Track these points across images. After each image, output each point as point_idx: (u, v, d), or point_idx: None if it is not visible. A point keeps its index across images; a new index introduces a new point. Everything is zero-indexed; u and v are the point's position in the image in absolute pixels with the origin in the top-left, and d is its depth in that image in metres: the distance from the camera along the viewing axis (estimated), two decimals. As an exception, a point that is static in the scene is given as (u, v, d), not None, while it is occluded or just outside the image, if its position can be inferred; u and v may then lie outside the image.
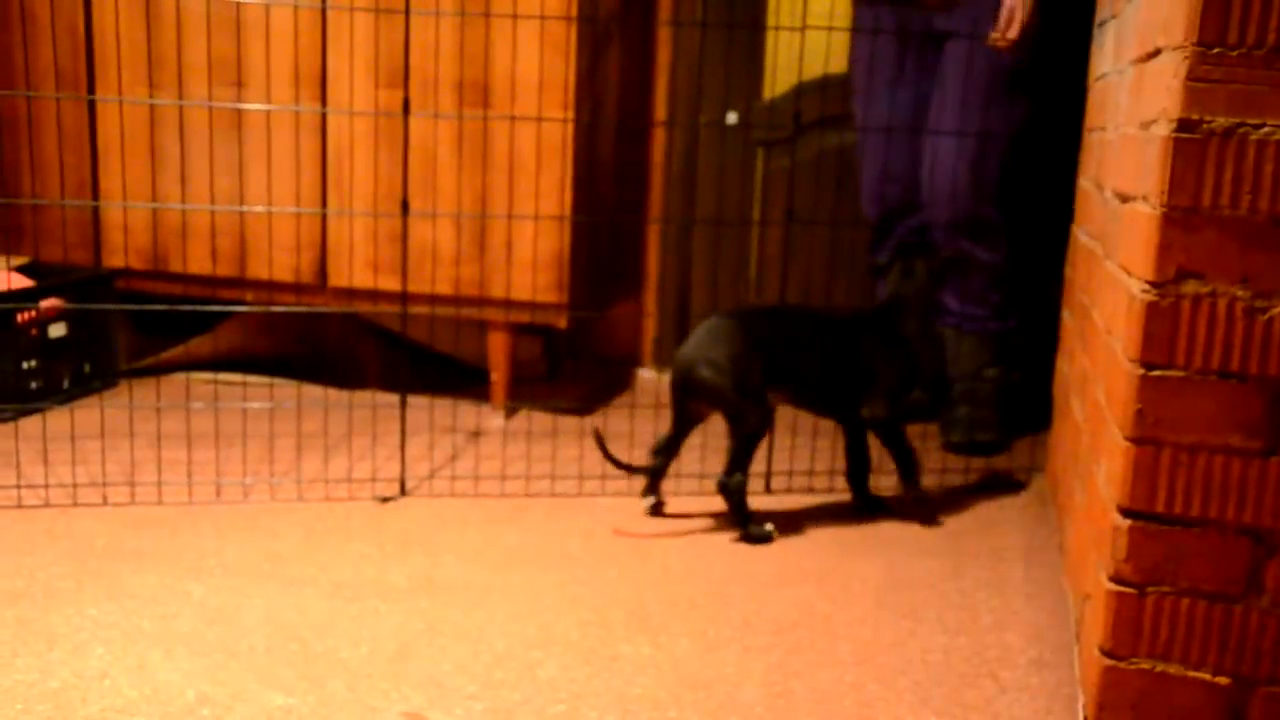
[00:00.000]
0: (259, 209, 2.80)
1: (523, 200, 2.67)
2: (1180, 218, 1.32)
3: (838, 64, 3.09)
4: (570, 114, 2.63)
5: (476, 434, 2.71)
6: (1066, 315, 2.43)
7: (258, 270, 2.85)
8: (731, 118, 3.25)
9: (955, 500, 2.37)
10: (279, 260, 2.83)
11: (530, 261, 2.71)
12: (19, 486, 2.20)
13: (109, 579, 1.84)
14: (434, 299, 2.77)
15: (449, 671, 1.59)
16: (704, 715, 1.51)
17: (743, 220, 3.30)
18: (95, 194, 2.91)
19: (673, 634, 1.74)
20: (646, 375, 3.41)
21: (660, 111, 3.31)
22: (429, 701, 1.50)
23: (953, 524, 2.25)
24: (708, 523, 2.20)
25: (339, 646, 1.64)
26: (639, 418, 2.86)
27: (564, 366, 3.35)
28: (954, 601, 1.90)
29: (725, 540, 2.12)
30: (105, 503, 2.16)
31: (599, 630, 1.74)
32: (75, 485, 2.23)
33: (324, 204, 2.78)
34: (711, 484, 2.17)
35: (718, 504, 2.19)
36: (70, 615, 1.71)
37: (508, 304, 2.75)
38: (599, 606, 1.82)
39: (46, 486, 2.21)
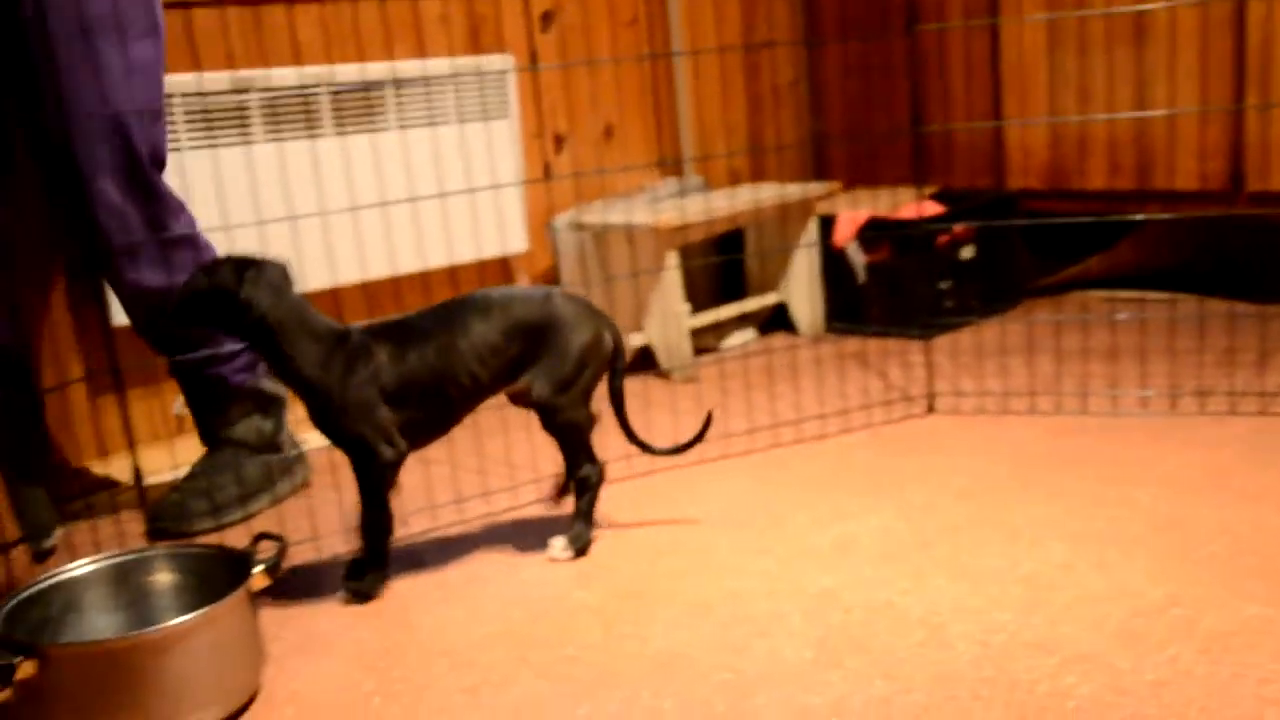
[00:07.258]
0: (1162, 112, 2.71)
1: None
2: None
3: None
4: None
5: None
6: None
7: (1160, 180, 2.76)
8: None
9: None
10: (1184, 168, 2.72)
11: None
12: (958, 394, 2.38)
13: (1048, 481, 1.91)
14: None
15: None
16: None
17: None
18: (998, 118, 3.02)
19: None
20: None
21: None
22: None
23: None
24: None
25: (1306, 563, 1.54)
26: None
27: None
28: None
29: None
30: (1031, 411, 2.25)
31: None
32: (1006, 394, 2.35)
33: (1240, 103, 2.61)
34: None
35: None
36: (1018, 512, 1.80)
37: None
38: None
39: (980, 395, 2.36)
